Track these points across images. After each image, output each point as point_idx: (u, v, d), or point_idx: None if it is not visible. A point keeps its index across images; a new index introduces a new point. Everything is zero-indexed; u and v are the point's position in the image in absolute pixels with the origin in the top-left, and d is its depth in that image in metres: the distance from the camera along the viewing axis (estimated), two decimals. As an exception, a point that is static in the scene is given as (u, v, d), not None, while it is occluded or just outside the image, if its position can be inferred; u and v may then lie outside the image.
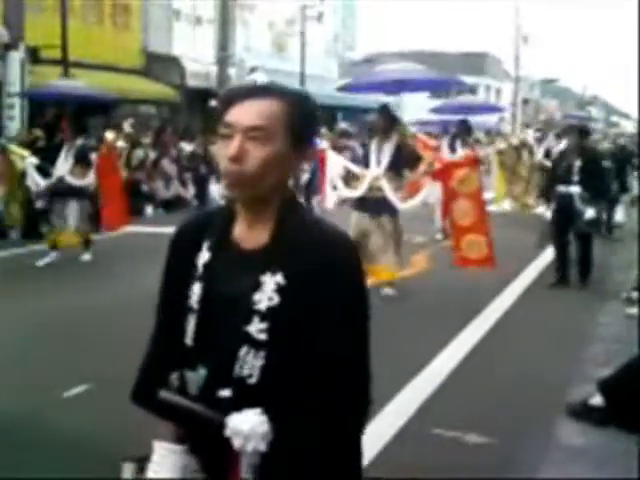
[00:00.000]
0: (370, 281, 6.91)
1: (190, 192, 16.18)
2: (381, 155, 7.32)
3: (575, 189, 7.88)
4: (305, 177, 11.35)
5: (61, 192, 9.34)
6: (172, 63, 20.42)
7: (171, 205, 15.48)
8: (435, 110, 18.75)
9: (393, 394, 4.67)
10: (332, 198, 8.06)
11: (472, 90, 45.65)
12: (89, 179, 9.46)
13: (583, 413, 4.25)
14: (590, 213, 7.82)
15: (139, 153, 15.97)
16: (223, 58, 21.28)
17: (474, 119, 16.45)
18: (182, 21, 21.62)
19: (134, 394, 1.73)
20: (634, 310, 6.49)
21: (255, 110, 1.58)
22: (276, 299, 1.57)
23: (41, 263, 9.07)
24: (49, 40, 14.73)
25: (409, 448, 4.00)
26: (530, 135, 15.07)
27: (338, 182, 7.82)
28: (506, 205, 14.47)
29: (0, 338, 6.02)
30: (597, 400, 4.21)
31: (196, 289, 1.65)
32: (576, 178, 7.90)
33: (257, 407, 1.53)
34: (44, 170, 9.51)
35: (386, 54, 44.83)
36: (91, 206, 9.86)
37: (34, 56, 15.12)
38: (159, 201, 15.50)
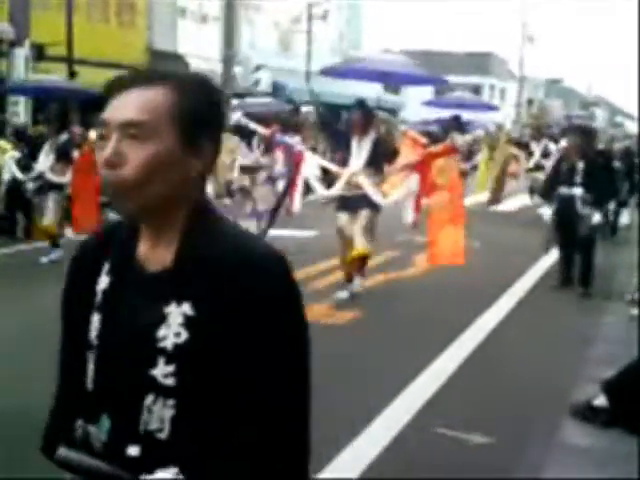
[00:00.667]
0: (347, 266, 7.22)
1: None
2: (359, 151, 7.23)
3: (578, 191, 7.66)
4: (282, 183, 11.09)
5: (42, 187, 9.35)
6: (177, 61, 20.43)
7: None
8: (427, 104, 19.03)
9: (396, 393, 4.67)
10: (299, 201, 8.02)
11: (476, 90, 45.70)
12: (69, 176, 9.29)
13: (587, 414, 4.25)
14: (596, 218, 7.64)
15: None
16: (228, 56, 21.28)
17: (477, 118, 16.50)
18: (187, 19, 21.64)
19: (42, 446, 1.44)
20: (637, 311, 6.47)
21: (133, 102, 1.28)
22: (184, 335, 1.27)
23: (45, 260, 9.02)
24: (54, 37, 14.75)
25: (412, 447, 4.00)
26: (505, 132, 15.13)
27: (315, 183, 7.81)
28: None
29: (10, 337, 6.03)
30: (601, 401, 4.21)
31: (95, 321, 1.34)
32: (579, 180, 7.69)
33: (171, 466, 1.26)
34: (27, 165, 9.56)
35: (390, 53, 44.82)
36: (67, 203, 9.60)
37: (39, 53, 15.13)
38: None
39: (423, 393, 4.75)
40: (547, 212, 8.09)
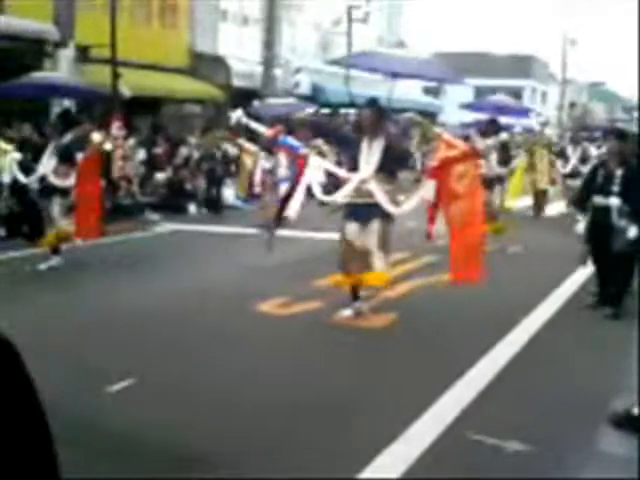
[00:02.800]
0: (362, 290, 6.69)
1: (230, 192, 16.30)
2: (370, 155, 6.56)
3: (614, 201, 6.93)
4: (284, 187, 10.67)
5: (45, 191, 8.94)
6: (218, 63, 20.61)
7: (214, 204, 15.61)
8: (465, 107, 18.64)
9: (432, 399, 4.67)
10: (296, 207, 7.24)
11: (517, 93, 45.28)
12: (72, 180, 8.86)
13: (626, 422, 4.21)
14: (634, 231, 6.73)
15: (183, 152, 16.15)
16: (268, 58, 21.41)
17: (516, 122, 16.28)
18: (229, 21, 21.80)
19: None
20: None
21: None
22: None
23: (43, 266, 8.69)
24: (98, 39, 14.96)
25: (448, 453, 3.99)
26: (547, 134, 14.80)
27: (316, 189, 7.14)
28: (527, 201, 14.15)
29: (47, 335, 6.15)
30: (640, 410, 4.16)
31: None
32: (616, 189, 6.95)
33: None
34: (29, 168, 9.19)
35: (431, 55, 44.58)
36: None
37: (83, 55, 15.36)
38: (202, 200, 15.65)
39: (460, 400, 4.72)
40: (580, 224, 7.32)
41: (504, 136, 11.60)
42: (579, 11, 72.95)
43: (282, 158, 10.85)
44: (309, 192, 7.26)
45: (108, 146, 9.87)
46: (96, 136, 9.12)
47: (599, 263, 7.25)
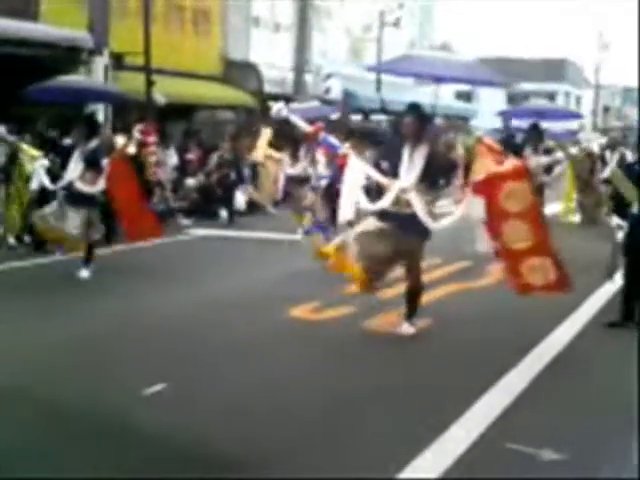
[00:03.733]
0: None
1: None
2: (412, 163, 6.20)
3: None
4: (324, 182, 10.24)
5: (71, 198, 8.66)
6: (250, 69, 20.71)
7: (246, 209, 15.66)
8: (502, 114, 18.17)
9: (466, 407, 4.63)
10: (347, 212, 6.77)
11: (551, 97, 44.87)
12: (100, 186, 8.70)
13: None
14: None
15: (214, 157, 16.22)
16: (300, 64, 21.47)
17: (551, 126, 16.03)
18: (261, 27, 21.91)
19: None
20: None
21: None
22: None
23: (85, 274, 8.61)
24: (133, 46, 15.11)
25: (483, 461, 3.95)
26: (595, 144, 14.48)
27: (359, 193, 6.62)
28: (576, 217, 13.97)
29: (80, 339, 6.21)
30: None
31: None
32: None
33: None
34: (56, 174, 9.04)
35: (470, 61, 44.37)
36: (101, 216, 9.07)
37: (118, 62, 15.52)
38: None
39: (493, 407, 4.68)
40: (621, 233, 6.88)
41: (559, 155, 11.38)
42: (613, 15, 72.39)
43: (320, 157, 10.65)
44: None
45: (132, 149, 9.60)
46: (120, 140, 9.07)
47: (630, 276, 6.70)
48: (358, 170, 6.62)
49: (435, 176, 6.27)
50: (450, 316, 6.98)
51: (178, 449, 4.02)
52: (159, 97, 15.36)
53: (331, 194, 10.52)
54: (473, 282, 8.56)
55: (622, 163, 12.21)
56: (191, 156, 16.39)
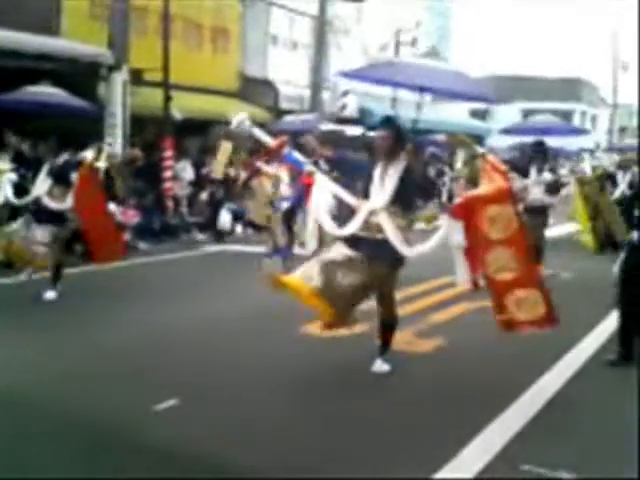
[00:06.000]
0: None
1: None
2: (383, 182, 5.54)
3: None
4: (285, 205, 9.64)
5: (39, 215, 8.26)
6: (267, 86, 20.91)
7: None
8: (505, 132, 17.68)
9: (480, 427, 4.65)
10: (313, 239, 6.01)
11: (567, 116, 44.81)
12: (68, 202, 8.22)
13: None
14: None
15: (230, 172, 16.30)
16: (316, 82, 21.64)
17: (565, 145, 15.76)
18: (278, 45, 22.13)
19: None
20: None
21: None
22: None
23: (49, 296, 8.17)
24: (152, 62, 15.30)
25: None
26: (605, 162, 14.04)
27: (324, 216, 5.85)
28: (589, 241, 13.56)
29: (90, 355, 6.29)
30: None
31: None
32: None
33: None
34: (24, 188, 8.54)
35: (478, 79, 44.52)
36: (70, 234, 8.62)
37: (137, 78, 15.71)
38: (248, 220, 15.71)
39: (507, 428, 4.69)
40: (616, 264, 6.27)
41: (546, 176, 10.82)
42: (631, 35, 71.93)
43: (284, 174, 10.14)
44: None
45: (101, 164, 8.86)
46: (88, 154, 8.45)
47: (627, 311, 6.11)
48: (323, 191, 5.89)
49: (411, 197, 5.64)
50: (462, 334, 7.00)
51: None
52: (176, 113, 15.51)
53: (292, 217, 10.27)
54: (484, 301, 8.57)
55: (633, 184, 11.93)
56: (206, 171, 16.52)
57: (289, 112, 20.99)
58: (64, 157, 8.40)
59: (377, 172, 5.58)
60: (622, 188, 12.33)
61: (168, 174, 15.38)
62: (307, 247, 6.11)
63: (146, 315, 7.59)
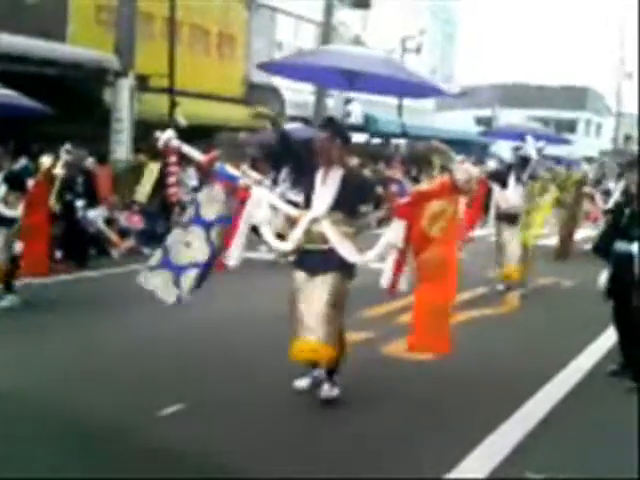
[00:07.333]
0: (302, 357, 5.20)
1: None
2: (324, 189, 5.18)
3: (637, 247, 5.72)
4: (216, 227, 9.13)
5: None
6: (272, 93, 20.98)
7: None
8: (484, 134, 17.14)
9: (484, 435, 4.66)
10: (237, 253, 5.68)
11: (572, 124, 44.84)
12: (20, 209, 7.98)
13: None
14: None
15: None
16: (321, 88, 21.69)
17: (571, 153, 15.67)
18: (284, 52, 22.21)
19: None
20: None
21: None
22: None
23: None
24: (158, 69, 15.37)
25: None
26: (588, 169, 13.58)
27: (266, 231, 5.51)
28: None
29: (94, 359, 6.31)
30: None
31: None
32: (638, 232, 5.72)
33: None
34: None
35: (483, 87, 44.60)
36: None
37: (143, 84, 15.78)
38: (252, 227, 15.69)
39: (512, 436, 4.69)
40: (603, 276, 5.97)
41: (491, 164, 10.12)
42: (635, 42, 72.03)
43: (219, 192, 9.50)
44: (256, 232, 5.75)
45: (58, 171, 8.43)
46: (45, 160, 8.11)
47: (621, 323, 6.00)
48: (259, 204, 5.49)
49: (352, 202, 5.20)
50: (466, 343, 7.00)
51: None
52: (181, 119, 15.56)
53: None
54: (491, 309, 8.58)
55: (627, 193, 11.65)
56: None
57: (294, 118, 21.07)
58: (21, 163, 8.20)
59: (318, 179, 5.20)
60: (616, 196, 12.05)
61: (172, 180, 15.41)
62: (230, 262, 5.70)
63: (150, 319, 7.61)
